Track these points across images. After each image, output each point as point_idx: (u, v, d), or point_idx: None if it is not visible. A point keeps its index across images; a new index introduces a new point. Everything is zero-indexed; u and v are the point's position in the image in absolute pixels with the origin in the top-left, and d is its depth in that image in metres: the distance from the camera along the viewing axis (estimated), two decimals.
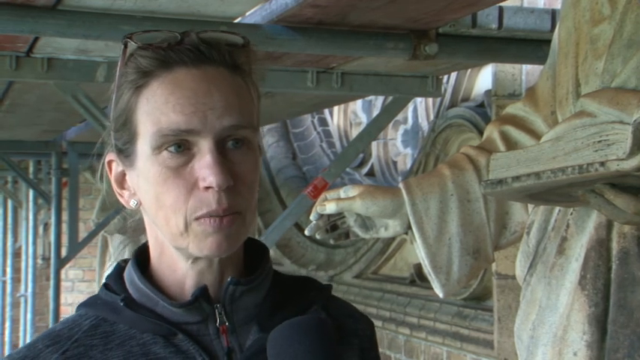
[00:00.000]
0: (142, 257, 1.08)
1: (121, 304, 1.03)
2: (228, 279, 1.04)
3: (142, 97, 1.00)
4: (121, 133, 1.03)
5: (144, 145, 1.00)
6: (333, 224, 1.89)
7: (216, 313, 1.03)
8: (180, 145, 0.98)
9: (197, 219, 0.99)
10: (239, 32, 1.04)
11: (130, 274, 1.07)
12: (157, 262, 1.06)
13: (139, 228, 1.16)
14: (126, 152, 1.03)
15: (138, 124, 1.00)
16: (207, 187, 0.98)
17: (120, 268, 1.10)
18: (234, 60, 1.02)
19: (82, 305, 1.07)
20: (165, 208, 1.00)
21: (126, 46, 1.01)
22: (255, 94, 1.05)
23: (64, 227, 6.20)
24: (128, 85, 1.01)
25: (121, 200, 1.06)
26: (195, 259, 1.03)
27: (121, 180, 1.06)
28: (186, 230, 0.99)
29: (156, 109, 0.99)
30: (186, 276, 1.04)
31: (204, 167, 0.98)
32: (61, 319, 1.08)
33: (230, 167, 0.99)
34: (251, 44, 1.04)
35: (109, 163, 1.06)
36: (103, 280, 1.10)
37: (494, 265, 3.62)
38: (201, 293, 1.02)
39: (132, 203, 1.05)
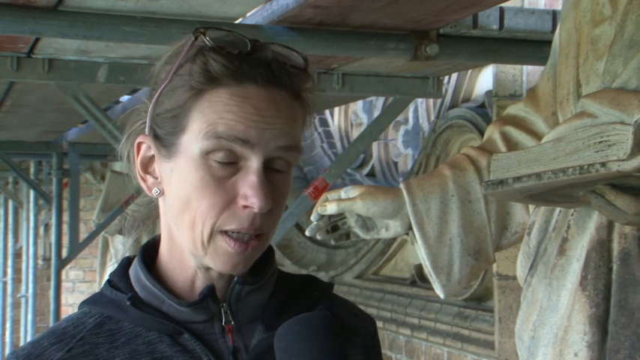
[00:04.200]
0: (148, 253, 1.07)
1: (128, 303, 1.02)
2: (235, 278, 1.04)
3: (203, 99, 0.99)
4: (166, 122, 1.01)
5: (192, 144, 0.99)
6: (334, 225, 1.89)
7: (222, 312, 1.04)
8: (230, 153, 0.98)
9: (223, 232, 0.99)
10: (301, 51, 1.04)
11: (136, 272, 1.06)
12: (166, 257, 1.06)
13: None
14: (165, 142, 1.01)
15: (190, 121, 0.99)
16: (246, 206, 0.98)
17: (125, 264, 1.09)
18: (298, 87, 1.03)
19: (86, 302, 1.07)
20: (194, 212, 0.99)
21: (196, 39, 1.00)
22: (306, 120, 1.06)
23: (65, 228, 6.20)
24: (191, 83, 0.99)
25: (142, 184, 1.05)
26: (206, 267, 1.03)
27: (147, 164, 1.04)
28: (209, 241, 0.99)
29: (216, 114, 0.98)
30: (195, 274, 1.04)
31: (249, 187, 0.97)
32: (65, 317, 1.07)
33: (271, 189, 0.99)
34: (309, 67, 1.04)
35: (139, 144, 1.04)
36: (107, 277, 1.09)
37: (495, 265, 3.62)
38: (210, 292, 1.02)
39: (154, 191, 1.04)
